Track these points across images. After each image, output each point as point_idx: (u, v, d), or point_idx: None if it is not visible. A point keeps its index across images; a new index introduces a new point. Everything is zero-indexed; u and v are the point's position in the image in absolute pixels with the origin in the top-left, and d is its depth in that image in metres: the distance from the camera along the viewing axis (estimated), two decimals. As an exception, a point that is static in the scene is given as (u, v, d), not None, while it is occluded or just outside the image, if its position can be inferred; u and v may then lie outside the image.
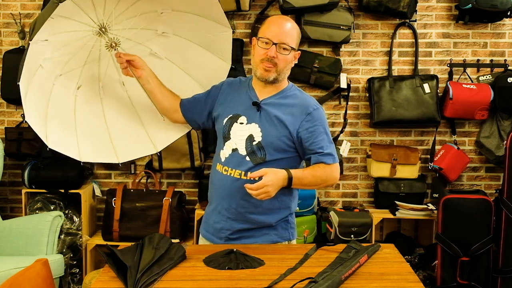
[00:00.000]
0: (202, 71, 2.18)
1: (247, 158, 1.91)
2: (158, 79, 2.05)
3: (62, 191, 3.36)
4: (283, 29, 1.90)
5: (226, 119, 1.98)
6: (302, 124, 1.92)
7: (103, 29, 1.91)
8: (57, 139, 1.93)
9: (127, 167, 3.55)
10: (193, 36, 2.12)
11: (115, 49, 1.95)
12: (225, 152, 1.96)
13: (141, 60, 2.00)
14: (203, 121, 2.10)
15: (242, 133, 1.93)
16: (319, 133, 1.92)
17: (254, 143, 1.91)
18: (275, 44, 1.87)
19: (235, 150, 1.94)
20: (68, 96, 2.01)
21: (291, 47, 1.90)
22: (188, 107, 2.09)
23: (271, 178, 1.79)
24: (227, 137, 1.96)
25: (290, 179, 1.84)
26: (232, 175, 1.93)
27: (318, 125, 1.93)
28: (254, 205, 1.93)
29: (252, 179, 1.83)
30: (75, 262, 3.33)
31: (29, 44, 1.71)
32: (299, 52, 1.99)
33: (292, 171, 1.85)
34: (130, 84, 2.11)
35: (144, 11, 1.97)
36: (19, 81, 1.76)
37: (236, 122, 1.95)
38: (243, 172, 1.91)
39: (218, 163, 1.99)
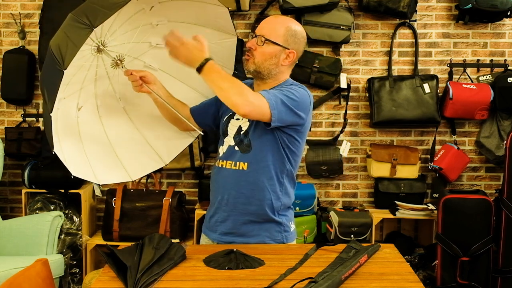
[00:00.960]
0: (199, 79, 2.17)
1: (236, 148, 1.93)
2: (167, 91, 2.06)
3: (62, 191, 3.36)
4: (267, 24, 1.92)
5: (226, 117, 2.01)
6: None
7: (101, 47, 1.89)
8: (75, 165, 1.92)
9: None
10: None
11: (121, 67, 1.95)
12: (223, 148, 1.99)
13: (151, 74, 2.00)
14: (217, 124, 2.11)
15: (236, 128, 1.96)
16: (277, 90, 1.85)
17: (241, 132, 1.93)
18: (256, 36, 1.91)
19: (232, 146, 1.96)
20: (71, 119, 1.99)
21: (270, 40, 1.88)
22: (200, 113, 2.10)
23: (193, 44, 1.78)
24: (225, 133, 2.00)
25: (205, 62, 1.77)
26: (224, 166, 1.95)
27: (285, 89, 1.86)
28: (245, 195, 1.92)
29: None
30: (75, 262, 3.33)
31: (63, 72, 1.63)
32: (293, 51, 1.93)
33: (214, 62, 1.80)
34: (127, 100, 2.09)
35: (139, 25, 1.95)
36: (51, 112, 1.72)
37: (233, 118, 1.97)
38: (233, 162, 1.93)
39: (218, 160, 2.02)
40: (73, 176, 1.88)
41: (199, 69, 1.79)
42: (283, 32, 1.91)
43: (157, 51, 2.10)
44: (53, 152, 1.78)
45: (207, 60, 1.78)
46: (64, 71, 1.63)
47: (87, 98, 2.03)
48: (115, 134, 2.10)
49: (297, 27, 1.95)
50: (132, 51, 2.03)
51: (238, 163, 1.92)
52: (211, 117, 2.11)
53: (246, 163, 1.91)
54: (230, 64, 2.16)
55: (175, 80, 2.17)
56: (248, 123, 1.92)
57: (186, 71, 2.15)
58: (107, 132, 2.09)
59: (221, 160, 1.98)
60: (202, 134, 2.10)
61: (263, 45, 1.90)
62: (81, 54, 1.86)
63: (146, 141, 2.15)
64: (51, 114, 1.73)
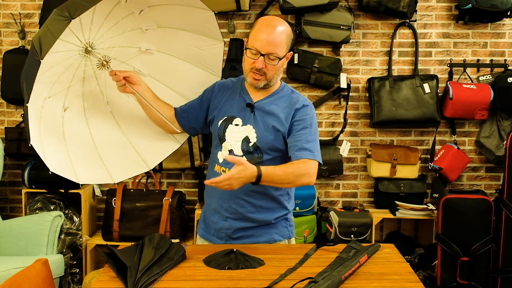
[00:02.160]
0: (188, 86, 2.16)
1: (244, 158, 1.92)
2: (153, 92, 2.04)
3: (62, 191, 3.36)
4: (271, 38, 1.86)
5: (221, 121, 1.99)
6: (292, 119, 1.92)
7: (89, 48, 1.89)
8: (55, 161, 1.92)
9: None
10: (178, 51, 2.10)
11: (107, 68, 1.94)
12: (223, 153, 1.97)
13: (136, 75, 1.99)
14: (201, 126, 2.10)
15: (237, 135, 1.94)
16: (303, 128, 1.91)
17: (250, 144, 1.92)
18: (263, 55, 1.85)
19: (231, 152, 1.95)
20: (56, 118, 1.98)
21: (279, 58, 1.87)
22: (184, 116, 2.08)
23: (239, 172, 1.72)
24: (222, 139, 1.97)
25: (259, 176, 1.76)
26: None
27: (305, 120, 1.92)
28: (253, 204, 1.94)
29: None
30: (75, 262, 3.33)
31: (40, 62, 1.64)
32: (291, 52, 1.97)
33: (263, 168, 1.77)
34: (115, 103, 2.09)
35: (128, 29, 1.94)
36: (27, 102, 1.72)
37: (231, 124, 1.95)
38: None
39: (216, 164, 1.99)
40: (51, 172, 1.88)
41: (257, 183, 1.78)
42: (286, 41, 1.90)
43: (147, 56, 2.09)
44: (30, 145, 1.77)
45: (259, 175, 1.75)
46: (41, 60, 1.64)
47: (74, 99, 2.02)
48: (100, 137, 2.09)
49: (289, 28, 1.94)
50: (121, 55, 2.02)
51: (225, 156, 1.91)
52: (194, 120, 2.08)
53: None
54: (217, 70, 2.15)
55: (165, 88, 2.16)
56: (255, 134, 1.92)
57: (176, 78, 2.15)
58: (92, 134, 2.08)
59: (222, 167, 1.96)
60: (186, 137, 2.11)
61: (278, 64, 1.89)
62: (68, 54, 1.86)
63: (132, 146, 2.14)
64: (27, 105, 1.73)
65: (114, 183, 2.11)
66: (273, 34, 1.86)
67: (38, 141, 1.87)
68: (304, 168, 1.84)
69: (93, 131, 2.08)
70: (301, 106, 1.94)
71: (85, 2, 1.67)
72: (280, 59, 1.88)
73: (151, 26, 2.00)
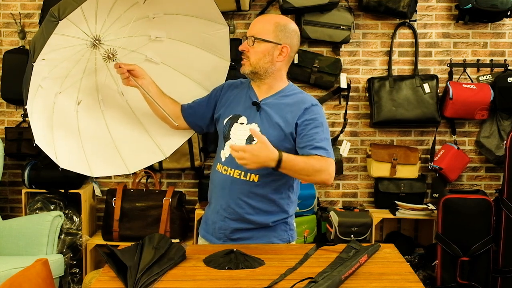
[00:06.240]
0: (200, 71, 2.17)
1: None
2: (158, 87, 2.04)
3: (62, 191, 3.36)
4: (255, 24, 1.93)
5: (226, 119, 1.99)
6: (299, 118, 1.90)
7: (97, 41, 1.89)
8: (67, 157, 1.92)
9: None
10: (187, 37, 2.10)
11: (113, 60, 1.94)
12: (225, 152, 1.97)
13: (141, 69, 1.99)
14: (207, 124, 2.10)
15: (242, 133, 1.93)
16: (314, 127, 1.88)
17: (254, 143, 1.91)
18: (247, 38, 1.92)
19: None
20: (70, 113, 1.99)
21: (261, 38, 1.89)
22: (190, 112, 2.09)
23: (259, 148, 1.72)
24: (227, 137, 1.97)
25: (279, 161, 1.74)
26: (231, 174, 1.93)
27: (315, 119, 1.89)
28: (251, 206, 1.93)
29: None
30: (75, 262, 3.33)
31: (32, 66, 1.67)
32: (286, 46, 1.92)
33: (285, 154, 1.76)
34: (129, 93, 2.10)
35: (135, 18, 1.95)
36: (25, 105, 1.74)
37: (236, 122, 1.95)
38: (242, 172, 1.91)
39: (218, 163, 1.99)
40: (61, 168, 1.89)
41: (277, 168, 1.77)
42: (272, 28, 1.91)
43: (158, 44, 2.10)
44: (34, 144, 1.78)
45: (280, 159, 1.74)
46: (33, 64, 1.66)
47: (87, 92, 2.04)
48: (116, 127, 2.10)
49: (287, 22, 1.95)
50: (131, 45, 2.03)
51: (248, 174, 1.91)
52: (201, 117, 2.09)
53: (257, 176, 1.90)
54: (226, 55, 2.15)
55: (177, 73, 2.17)
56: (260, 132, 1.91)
57: (189, 64, 2.15)
58: (108, 125, 2.09)
59: (224, 166, 1.95)
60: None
61: (253, 44, 1.90)
62: (76, 48, 1.87)
63: (148, 134, 2.15)
64: (26, 107, 1.74)
65: (130, 174, 2.13)
66: (259, 20, 1.95)
67: (49, 139, 1.87)
68: (324, 164, 1.82)
69: (109, 122, 2.09)
70: (309, 105, 1.92)
71: (74, 0, 1.68)
72: (257, 39, 1.89)
73: (158, 13, 2.00)
